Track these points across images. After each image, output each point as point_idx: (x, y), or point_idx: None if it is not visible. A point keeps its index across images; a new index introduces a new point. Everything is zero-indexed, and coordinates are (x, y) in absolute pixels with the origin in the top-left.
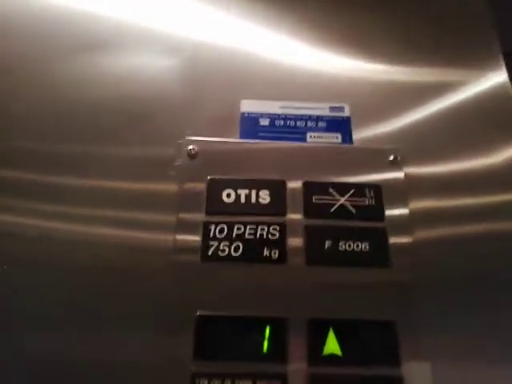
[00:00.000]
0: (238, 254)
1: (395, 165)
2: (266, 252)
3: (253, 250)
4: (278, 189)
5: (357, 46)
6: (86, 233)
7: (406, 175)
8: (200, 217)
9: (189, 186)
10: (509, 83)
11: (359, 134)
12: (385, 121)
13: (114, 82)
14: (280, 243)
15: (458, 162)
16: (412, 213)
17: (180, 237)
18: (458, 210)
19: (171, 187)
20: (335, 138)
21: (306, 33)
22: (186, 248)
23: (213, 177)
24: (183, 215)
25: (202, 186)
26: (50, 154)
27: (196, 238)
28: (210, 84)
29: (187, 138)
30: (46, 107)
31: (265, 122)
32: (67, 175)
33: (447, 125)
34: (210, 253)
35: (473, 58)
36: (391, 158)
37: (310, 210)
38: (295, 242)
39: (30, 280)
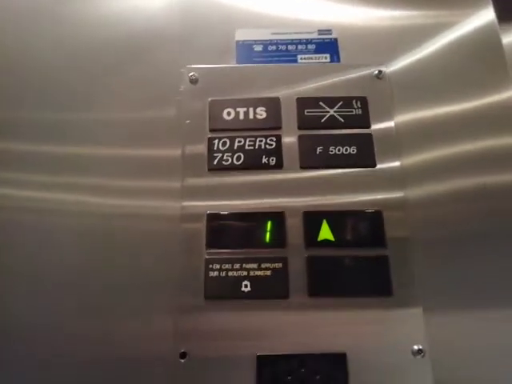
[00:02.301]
0: (240, 162)
1: (380, 78)
2: (264, 160)
3: (253, 158)
4: (273, 105)
5: None
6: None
7: (391, 88)
8: (205, 133)
9: (193, 107)
10: (495, 20)
11: (346, 54)
12: (370, 42)
13: (115, 21)
14: (276, 152)
15: (447, 100)
16: (396, 121)
17: (188, 152)
18: (441, 124)
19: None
20: (324, 58)
21: None
22: (195, 160)
23: (213, 98)
24: (189, 131)
25: (204, 107)
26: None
27: (203, 152)
28: (206, 18)
29: (188, 66)
30: (47, 51)
31: (258, 47)
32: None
33: (433, 59)
34: (215, 162)
35: None
36: (376, 72)
37: (302, 122)
38: (290, 150)
39: (39, 250)
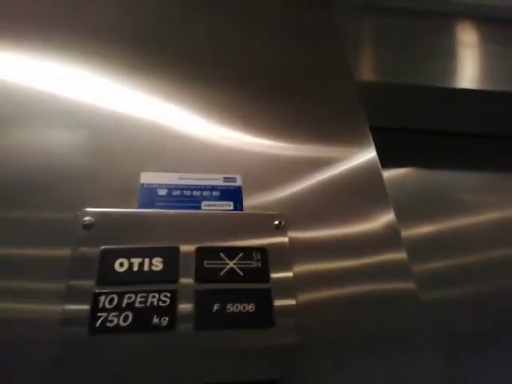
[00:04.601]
0: (127, 323)
1: (280, 229)
2: (155, 320)
3: (142, 318)
4: (170, 255)
5: (248, 124)
6: None
7: (289, 239)
8: (91, 287)
9: (82, 256)
10: (377, 158)
11: (249, 202)
12: (271, 190)
13: (17, 153)
14: (170, 310)
15: (336, 227)
16: (295, 274)
17: (68, 308)
18: (337, 272)
19: (65, 256)
20: (228, 205)
21: (204, 111)
22: (75, 319)
23: (106, 247)
24: (74, 285)
25: (95, 257)
26: None
27: (86, 308)
28: (112, 157)
29: (84, 209)
30: None
31: (163, 191)
32: None
33: (325, 194)
34: (97, 324)
35: (345, 136)
36: (276, 222)
37: (201, 275)
38: (185, 307)
39: None
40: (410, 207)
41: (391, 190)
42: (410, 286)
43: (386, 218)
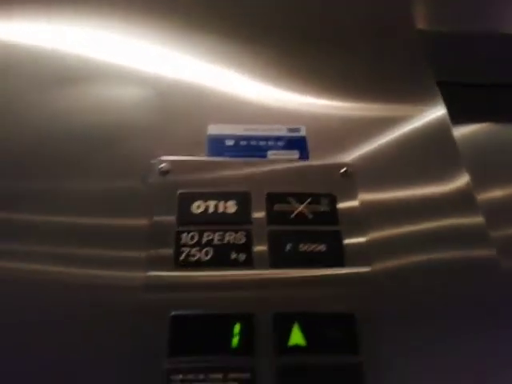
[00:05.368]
0: (208, 258)
1: (347, 177)
2: (233, 256)
3: (221, 254)
4: (243, 199)
5: (310, 80)
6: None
7: (356, 186)
8: (172, 226)
9: (161, 199)
10: (446, 115)
11: (315, 153)
12: (336, 145)
13: (89, 111)
14: (246, 247)
15: (405, 188)
16: (364, 215)
17: (153, 246)
18: (409, 235)
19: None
20: (293, 154)
21: (267, 68)
22: (160, 256)
23: (183, 190)
24: (157, 226)
25: (173, 200)
26: (18, 190)
27: (169, 246)
28: (179, 111)
29: (159, 157)
30: (21, 140)
31: (230, 142)
32: (35, 212)
33: (392, 153)
34: (181, 258)
35: (412, 92)
36: (342, 170)
37: (272, 217)
38: (260, 246)
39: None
40: (483, 168)
41: (462, 149)
42: (489, 252)
43: (460, 179)
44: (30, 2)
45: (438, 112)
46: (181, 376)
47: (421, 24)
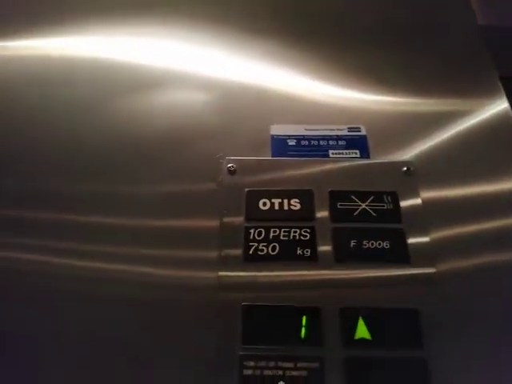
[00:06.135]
0: (275, 252)
1: (408, 175)
2: (299, 251)
3: (288, 249)
4: (306, 197)
5: (368, 77)
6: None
7: (418, 184)
8: (241, 223)
9: (230, 197)
10: (510, 109)
11: (375, 151)
12: (397, 142)
13: (159, 116)
14: (311, 244)
15: (470, 184)
16: (427, 213)
17: (224, 241)
18: (475, 234)
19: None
20: (354, 153)
21: (324, 66)
22: (230, 251)
23: (250, 188)
24: (226, 222)
25: (241, 197)
26: (90, 192)
27: (238, 241)
28: (242, 113)
29: (227, 157)
30: (97, 144)
31: (292, 142)
32: (112, 214)
33: (455, 149)
34: (250, 252)
35: (473, 86)
36: (404, 168)
37: (335, 215)
38: (324, 242)
39: (67, 316)
40: None
41: None
42: None
43: None
44: (105, 18)
45: (500, 107)
46: (253, 363)
47: (482, 20)
